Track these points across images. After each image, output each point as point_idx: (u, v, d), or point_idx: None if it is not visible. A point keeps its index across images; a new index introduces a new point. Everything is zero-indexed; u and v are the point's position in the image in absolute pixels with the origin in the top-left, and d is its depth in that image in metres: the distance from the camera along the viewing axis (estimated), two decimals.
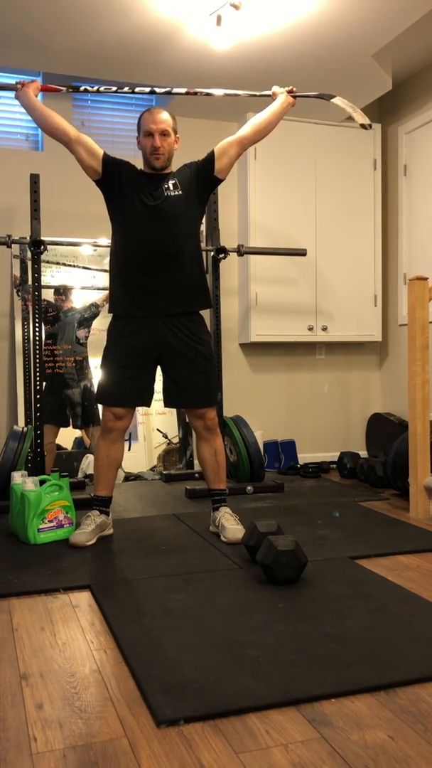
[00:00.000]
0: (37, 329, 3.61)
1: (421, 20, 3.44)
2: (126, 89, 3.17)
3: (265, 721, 1.47)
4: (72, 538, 2.78)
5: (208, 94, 3.20)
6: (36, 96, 2.94)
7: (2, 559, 2.64)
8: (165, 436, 4.43)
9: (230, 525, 2.83)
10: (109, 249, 4.28)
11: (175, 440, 4.46)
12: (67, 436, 4.23)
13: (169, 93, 3.20)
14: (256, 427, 4.32)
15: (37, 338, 3.62)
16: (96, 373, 4.29)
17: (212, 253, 4.04)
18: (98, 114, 4.49)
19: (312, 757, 1.34)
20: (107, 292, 4.11)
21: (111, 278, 2.95)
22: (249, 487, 3.79)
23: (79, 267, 4.31)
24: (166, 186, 2.84)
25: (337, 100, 3.20)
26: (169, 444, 4.45)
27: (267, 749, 1.37)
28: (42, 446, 3.58)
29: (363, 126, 3.19)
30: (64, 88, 3.17)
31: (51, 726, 1.46)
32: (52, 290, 4.24)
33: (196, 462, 4.47)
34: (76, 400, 4.19)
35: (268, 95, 3.16)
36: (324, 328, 4.63)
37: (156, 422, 4.44)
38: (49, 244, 3.70)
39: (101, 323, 4.28)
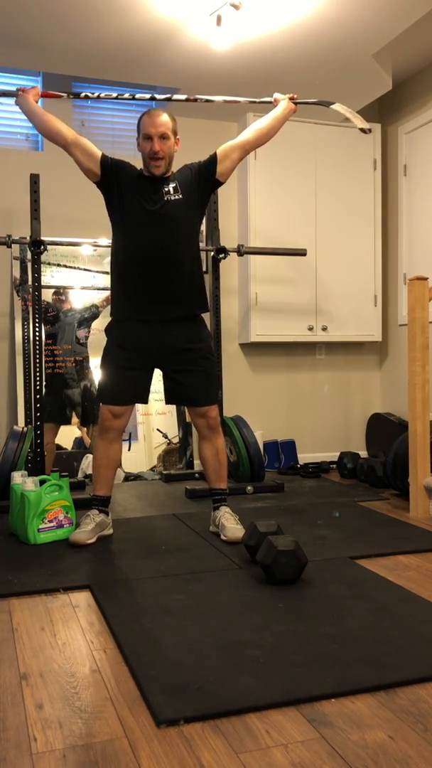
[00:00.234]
0: (37, 329, 3.61)
1: (421, 20, 3.44)
2: (126, 96, 3.17)
3: (265, 721, 1.47)
4: (72, 537, 2.79)
5: (208, 101, 3.21)
6: (36, 102, 2.96)
7: (2, 559, 2.64)
8: (165, 436, 4.43)
9: (230, 524, 2.83)
10: (109, 249, 4.30)
11: (175, 440, 4.46)
12: (67, 436, 4.23)
13: (168, 99, 3.20)
14: (256, 427, 4.32)
15: (37, 338, 3.62)
16: (96, 373, 4.29)
17: (212, 253, 4.04)
18: (98, 114, 4.49)
19: (312, 757, 1.34)
20: (107, 293, 4.12)
21: (112, 282, 2.95)
22: (249, 487, 3.79)
23: (80, 269, 4.30)
24: (166, 189, 2.82)
25: (337, 107, 3.21)
26: (169, 444, 4.45)
27: (267, 749, 1.37)
28: (42, 446, 3.58)
29: (363, 130, 3.19)
30: (64, 95, 3.18)
31: (51, 726, 1.46)
32: (52, 290, 4.24)
33: (196, 462, 4.47)
34: (76, 400, 4.19)
35: (269, 102, 3.17)
36: (324, 328, 4.63)
37: (156, 422, 4.44)
38: (49, 244, 3.70)
39: (101, 323, 4.28)
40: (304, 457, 4.71)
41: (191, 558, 2.61)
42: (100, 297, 4.31)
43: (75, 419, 4.21)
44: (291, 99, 3.10)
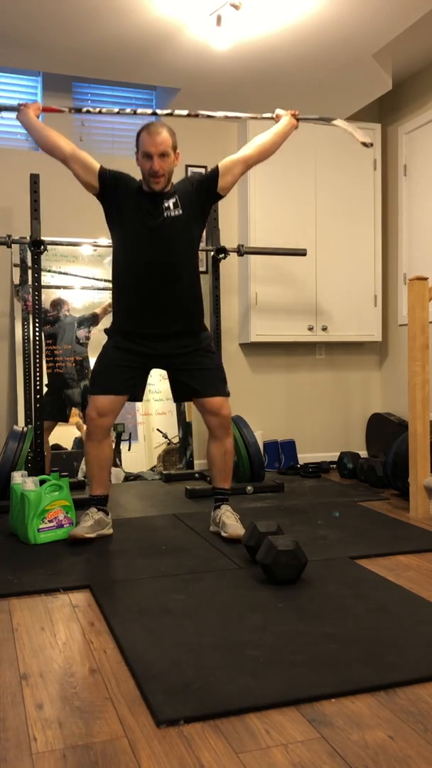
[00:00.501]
0: (37, 329, 3.61)
1: (421, 20, 3.44)
2: (128, 111, 3.16)
3: (265, 721, 1.47)
4: (71, 532, 2.80)
5: (209, 116, 3.20)
6: (37, 117, 2.97)
7: (2, 559, 2.64)
8: (165, 436, 4.43)
9: (231, 522, 2.84)
10: (109, 249, 4.30)
11: (175, 440, 4.46)
12: (67, 436, 4.23)
13: (170, 115, 3.19)
14: (256, 427, 4.32)
15: (37, 338, 3.62)
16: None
17: (212, 253, 4.04)
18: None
19: (312, 757, 1.34)
20: (108, 302, 4.13)
21: (113, 295, 2.97)
22: (249, 487, 3.79)
23: (79, 276, 4.29)
24: (166, 205, 2.80)
25: (338, 122, 3.22)
26: (169, 444, 4.45)
27: (267, 749, 1.37)
28: (42, 446, 3.58)
29: (364, 144, 3.20)
30: (65, 109, 3.18)
31: (51, 726, 1.46)
32: (51, 289, 4.24)
33: (196, 462, 4.48)
34: (76, 399, 4.19)
35: (271, 117, 3.17)
36: (324, 328, 4.63)
37: (156, 422, 4.44)
38: (49, 244, 3.70)
39: (102, 323, 4.29)
40: (304, 457, 4.71)
41: (191, 558, 2.61)
42: (100, 305, 4.30)
43: (75, 418, 4.20)
44: (293, 115, 3.09)
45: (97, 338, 4.27)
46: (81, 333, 4.26)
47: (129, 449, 4.34)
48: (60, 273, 4.28)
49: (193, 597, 2.19)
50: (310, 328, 4.60)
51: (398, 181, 4.68)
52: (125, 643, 1.85)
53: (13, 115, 3.07)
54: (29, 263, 3.84)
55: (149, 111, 3.19)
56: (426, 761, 1.32)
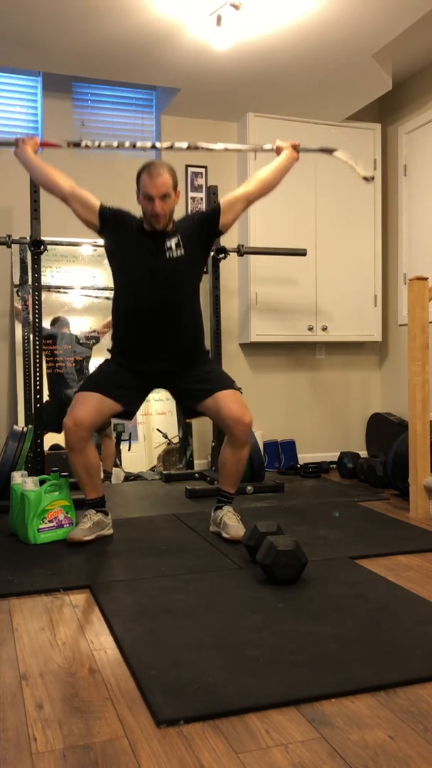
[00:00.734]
0: (37, 329, 3.61)
1: (421, 20, 3.44)
2: (127, 144, 3.15)
3: (265, 721, 1.47)
4: (69, 535, 2.79)
5: (209, 150, 3.21)
6: (35, 152, 2.96)
7: (2, 559, 2.64)
8: (165, 436, 4.43)
9: (232, 522, 2.84)
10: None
11: (175, 440, 4.46)
12: None
13: (170, 148, 3.19)
14: (256, 427, 4.32)
15: (37, 338, 3.62)
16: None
17: (212, 253, 4.04)
18: (98, 114, 4.49)
19: (312, 757, 1.34)
20: (108, 319, 4.12)
21: (113, 327, 2.96)
22: (249, 487, 3.79)
23: (77, 289, 4.28)
24: (168, 246, 2.79)
25: (339, 154, 3.21)
26: (169, 444, 4.45)
27: (267, 749, 1.37)
28: (42, 446, 3.58)
29: (365, 179, 3.19)
30: (64, 144, 3.16)
31: (51, 726, 1.46)
32: (52, 290, 4.23)
33: (196, 462, 4.48)
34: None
35: (271, 150, 3.16)
36: (324, 328, 4.63)
37: (156, 422, 4.44)
38: (49, 244, 3.70)
39: (100, 321, 4.29)
40: (304, 457, 4.71)
41: (191, 558, 2.61)
42: (101, 324, 4.30)
43: None
44: (294, 147, 3.08)
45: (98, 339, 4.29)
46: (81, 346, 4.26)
47: (129, 449, 4.34)
48: (64, 290, 4.27)
49: (193, 597, 2.19)
50: (310, 328, 4.60)
51: (398, 181, 4.68)
52: (125, 643, 1.85)
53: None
54: (29, 263, 3.84)
55: (149, 144, 3.18)
56: (426, 761, 1.32)
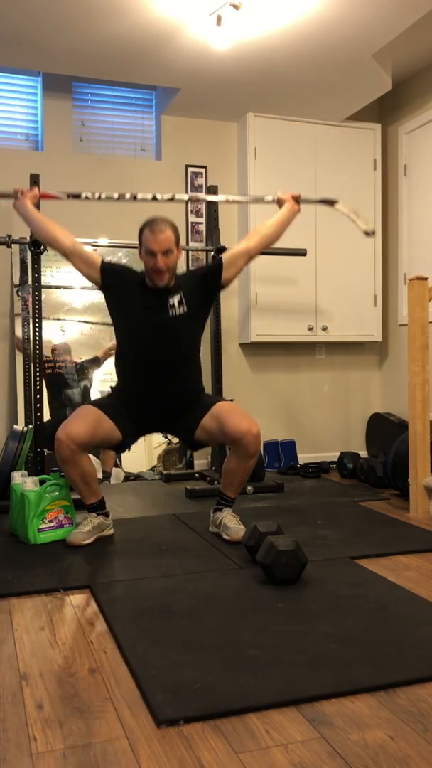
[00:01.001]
0: (37, 329, 3.61)
1: (421, 20, 3.43)
2: (128, 196, 3.14)
3: (265, 721, 1.47)
4: (69, 538, 2.78)
5: (211, 202, 3.21)
6: (35, 204, 2.97)
7: (2, 559, 2.64)
8: (165, 436, 4.43)
9: (233, 524, 2.83)
10: (109, 249, 4.30)
11: (175, 440, 4.46)
12: None
13: (171, 200, 3.18)
14: None
15: (37, 338, 3.62)
16: (96, 373, 4.30)
17: (212, 253, 4.04)
18: (98, 114, 4.49)
19: (312, 757, 1.34)
20: (109, 345, 4.12)
21: (117, 374, 2.98)
22: (249, 487, 3.79)
23: (77, 289, 4.27)
24: (171, 303, 2.80)
25: (340, 206, 3.21)
26: (169, 444, 4.45)
27: (267, 749, 1.37)
28: (42, 446, 3.58)
29: (366, 233, 3.20)
30: (64, 196, 3.15)
31: (51, 726, 1.46)
32: (51, 289, 4.22)
33: (196, 462, 4.48)
34: (77, 400, 4.19)
35: (272, 201, 3.17)
36: (324, 328, 4.63)
37: None
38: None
39: (98, 320, 4.29)
40: (304, 457, 4.71)
41: (191, 558, 2.61)
42: (102, 349, 4.29)
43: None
44: (294, 198, 3.09)
45: (96, 337, 4.29)
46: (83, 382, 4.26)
47: (129, 449, 4.33)
48: (64, 320, 4.24)
49: (193, 597, 2.19)
50: (310, 328, 4.60)
51: (398, 181, 4.67)
52: (125, 643, 1.85)
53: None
54: (29, 263, 3.84)
55: (149, 196, 3.17)
56: (426, 761, 1.32)
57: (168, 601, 2.15)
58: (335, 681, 1.62)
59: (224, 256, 2.93)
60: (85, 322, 4.30)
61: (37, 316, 3.68)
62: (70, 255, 2.86)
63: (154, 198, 3.17)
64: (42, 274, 3.76)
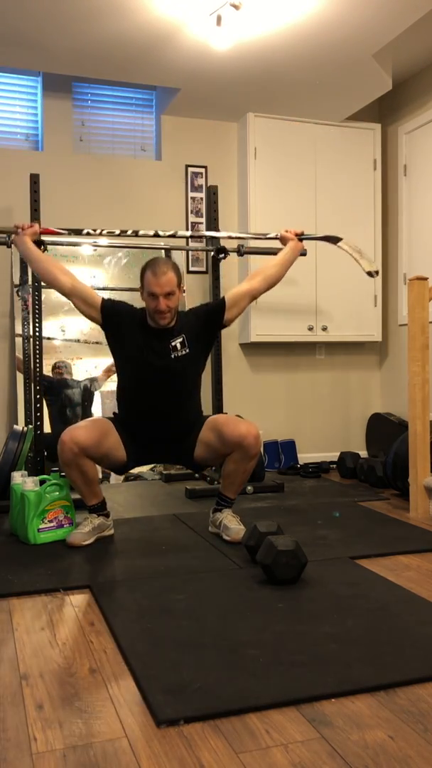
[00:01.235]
0: (37, 329, 3.61)
1: (421, 20, 3.44)
2: (129, 232, 3.12)
3: (265, 721, 1.47)
4: (69, 538, 2.78)
5: (213, 238, 3.20)
6: (35, 241, 2.96)
7: (2, 559, 2.64)
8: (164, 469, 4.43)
9: (233, 525, 2.83)
10: (108, 249, 4.30)
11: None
12: None
13: (173, 236, 3.17)
14: None
15: (37, 338, 3.62)
16: (96, 372, 4.29)
17: (212, 253, 4.04)
18: (98, 114, 4.49)
19: (312, 757, 1.34)
20: (108, 365, 4.10)
21: (117, 403, 2.97)
22: (249, 487, 3.79)
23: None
24: (173, 345, 2.80)
25: (343, 245, 3.21)
26: None
27: (267, 749, 1.37)
28: (42, 446, 3.58)
29: (369, 274, 3.20)
30: (65, 232, 3.13)
31: (51, 726, 1.46)
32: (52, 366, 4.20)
33: None
34: (77, 400, 4.19)
35: (275, 238, 3.17)
36: (324, 328, 4.63)
37: None
38: (49, 244, 3.69)
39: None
40: (304, 457, 4.71)
41: (191, 558, 2.61)
42: (100, 372, 4.29)
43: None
44: (297, 236, 3.09)
45: (96, 336, 4.28)
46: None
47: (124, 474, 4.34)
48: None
49: (193, 597, 2.19)
50: (310, 328, 4.60)
51: (398, 181, 4.68)
52: (125, 643, 1.85)
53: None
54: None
55: (151, 232, 3.16)
56: (426, 761, 1.32)
57: (168, 601, 2.15)
58: (335, 681, 1.62)
59: (227, 296, 2.93)
60: (85, 342, 4.30)
61: (37, 316, 3.68)
62: (70, 295, 2.85)
63: (156, 235, 3.15)
64: None
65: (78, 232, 3.10)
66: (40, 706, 1.55)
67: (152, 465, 4.37)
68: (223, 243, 4.04)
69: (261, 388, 4.72)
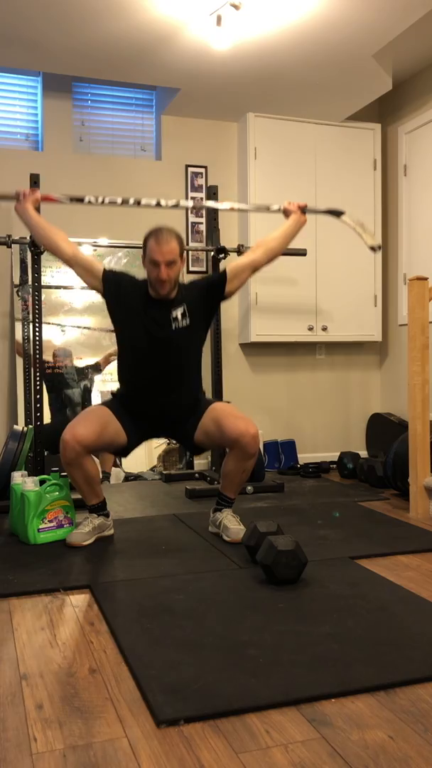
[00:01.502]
0: (37, 329, 3.61)
1: (421, 20, 3.44)
2: (132, 201, 3.11)
3: (265, 721, 1.47)
4: (69, 538, 2.78)
5: (215, 209, 3.17)
6: (36, 208, 2.95)
7: (2, 559, 2.64)
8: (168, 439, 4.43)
9: (233, 525, 2.83)
10: (108, 249, 4.30)
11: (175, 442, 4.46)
12: None
13: (176, 206, 3.15)
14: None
15: (37, 338, 3.62)
16: (96, 377, 4.30)
17: (212, 253, 4.04)
18: (98, 114, 4.49)
19: (312, 757, 1.34)
20: (109, 351, 4.11)
21: (119, 380, 2.97)
22: (249, 487, 3.79)
23: (77, 289, 4.26)
24: (174, 316, 2.80)
25: (346, 218, 3.19)
26: (169, 444, 4.45)
27: (267, 749, 1.37)
28: (42, 446, 3.58)
29: (372, 248, 3.18)
30: (66, 200, 3.11)
31: (51, 726, 1.46)
32: (51, 289, 4.22)
33: (196, 462, 4.48)
34: (76, 400, 4.19)
35: (278, 211, 3.15)
36: (324, 328, 4.63)
37: None
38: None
39: (97, 323, 4.29)
40: (304, 457, 4.71)
41: (191, 558, 2.61)
42: (102, 356, 4.29)
43: None
44: (300, 208, 3.07)
45: (96, 337, 4.28)
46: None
47: (126, 456, 4.34)
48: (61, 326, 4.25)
49: (193, 597, 2.19)
50: (310, 328, 4.60)
51: (398, 181, 4.68)
52: (125, 643, 1.85)
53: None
54: (29, 263, 3.84)
55: (153, 202, 3.14)
56: (426, 761, 1.32)
57: (168, 601, 2.15)
58: (335, 681, 1.62)
59: (228, 268, 2.91)
60: (86, 328, 4.29)
61: (37, 316, 3.68)
62: (72, 263, 2.85)
63: (158, 204, 3.15)
64: (42, 274, 3.76)
65: (79, 200, 3.10)
66: (40, 706, 1.55)
67: (152, 465, 4.37)
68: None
69: (261, 388, 4.72)
